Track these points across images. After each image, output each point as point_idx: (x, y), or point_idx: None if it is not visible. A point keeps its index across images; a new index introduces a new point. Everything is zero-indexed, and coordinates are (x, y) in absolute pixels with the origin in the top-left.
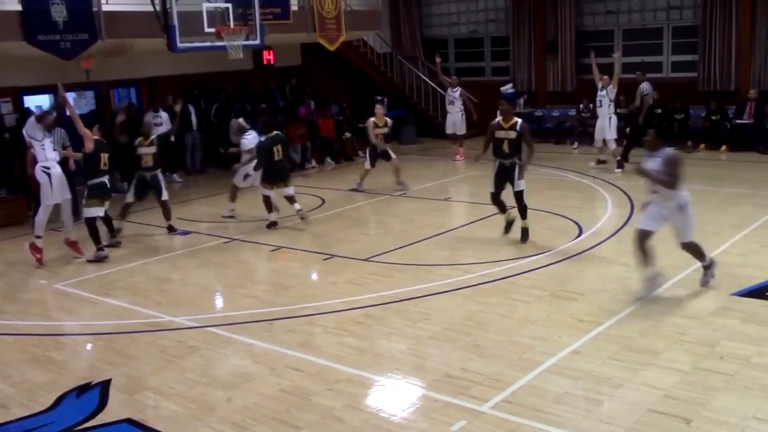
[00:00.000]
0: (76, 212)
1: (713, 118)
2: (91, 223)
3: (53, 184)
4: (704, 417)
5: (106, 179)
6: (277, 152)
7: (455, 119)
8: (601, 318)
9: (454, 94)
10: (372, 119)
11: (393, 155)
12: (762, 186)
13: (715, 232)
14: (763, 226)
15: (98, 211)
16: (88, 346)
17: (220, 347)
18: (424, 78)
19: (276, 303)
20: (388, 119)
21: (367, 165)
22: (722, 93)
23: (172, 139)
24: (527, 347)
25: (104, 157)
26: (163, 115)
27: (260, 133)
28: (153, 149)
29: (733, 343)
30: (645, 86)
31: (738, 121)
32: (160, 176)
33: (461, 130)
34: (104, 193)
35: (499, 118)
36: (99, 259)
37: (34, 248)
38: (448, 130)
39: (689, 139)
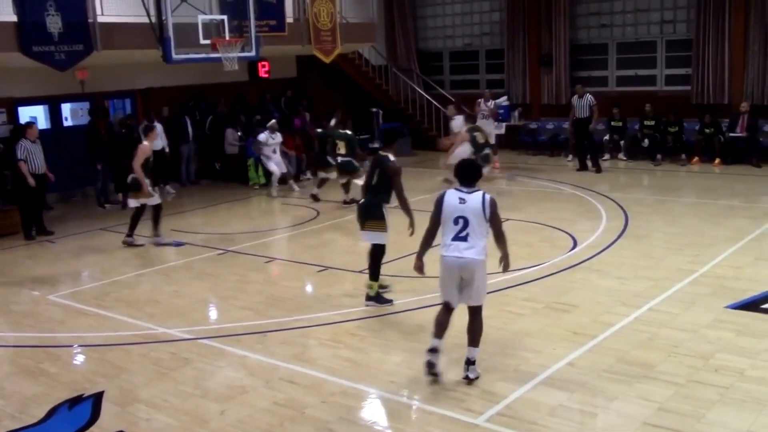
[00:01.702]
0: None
1: (707, 131)
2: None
3: None
4: (699, 430)
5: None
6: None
7: (488, 130)
8: (596, 330)
9: (489, 106)
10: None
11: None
12: (755, 199)
13: (709, 244)
14: (756, 238)
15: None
16: (80, 358)
17: (213, 359)
18: (419, 90)
19: (270, 315)
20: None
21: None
22: (716, 106)
23: (167, 150)
24: (522, 360)
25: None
26: (158, 127)
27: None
28: None
29: (728, 356)
30: (591, 98)
31: (731, 135)
32: None
33: (492, 140)
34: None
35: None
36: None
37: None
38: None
39: (683, 152)
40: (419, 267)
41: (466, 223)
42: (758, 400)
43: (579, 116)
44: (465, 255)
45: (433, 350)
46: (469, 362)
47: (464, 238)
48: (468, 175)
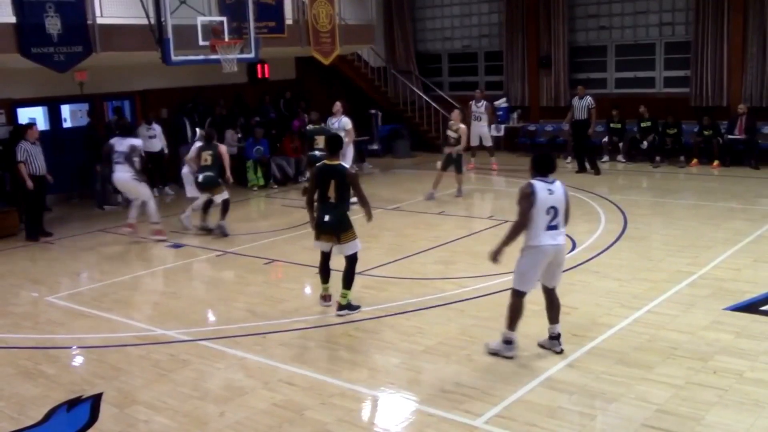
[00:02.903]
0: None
1: (706, 133)
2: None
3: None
4: None
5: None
6: None
7: (482, 132)
8: (595, 332)
9: (480, 108)
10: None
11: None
12: (754, 201)
13: (708, 246)
14: (755, 240)
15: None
16: (79, 359)
17: (212, 361)
18: (418, 92)
19: (269, 316)
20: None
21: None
22: (714, 108)
23: (166, 152)
24: (521, 361)
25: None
26: (156, 128)
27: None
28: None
29: (726, 358)
30: (591, 100)
31: (730, 137)
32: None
33: (488, 141)
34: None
35: None
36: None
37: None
38: (473, 143)
39: (682, 154)
40: (497, 259)
41: (556, 212)
42: (757, 402)
43: (578, 118)
44: (558, 241)
45: (510, 342)
46: (558, 336)
47: (555, 227)
48: (548, 166)
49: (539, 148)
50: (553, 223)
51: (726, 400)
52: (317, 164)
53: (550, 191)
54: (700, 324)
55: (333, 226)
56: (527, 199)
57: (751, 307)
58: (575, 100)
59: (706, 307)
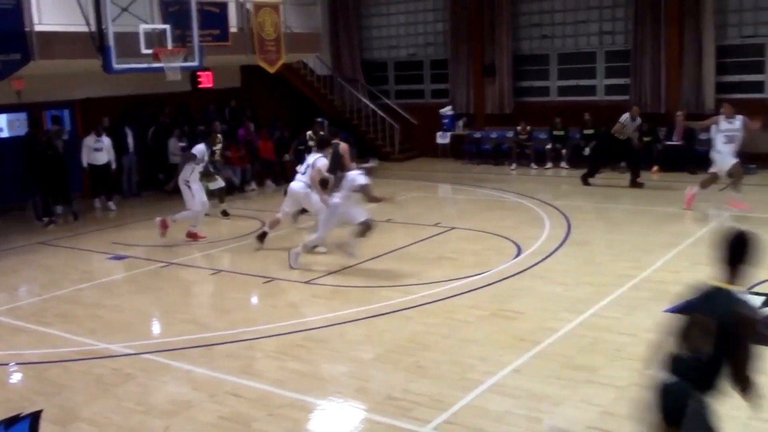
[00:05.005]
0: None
1: (645, 139)
2: None
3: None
4: None
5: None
6: None
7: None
8: (541, 336)
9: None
10: None
11: None
12: (692, 205)
13: (648, 250)
14: (693, 244)
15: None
16: (17, 376)
17: (157, 374)
18: (365, 100)
19: (215, 328)
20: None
21: None
22: (654, 115)
23: (113, 166)
24: (469, 367)
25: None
26: (105, 141)
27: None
28: None
29: None
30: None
31: (668, 143)
32: None
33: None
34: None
35: None
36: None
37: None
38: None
39: (623, 160)
40: None
41: None
42: None
43: (629, 136)
44: None
45: None
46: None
47: None
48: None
49: (485, 155)
50: None
51: None
52: None
53: None
54: (643, 326)
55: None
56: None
57: None
58: (626, 119)
59: (648, 309)
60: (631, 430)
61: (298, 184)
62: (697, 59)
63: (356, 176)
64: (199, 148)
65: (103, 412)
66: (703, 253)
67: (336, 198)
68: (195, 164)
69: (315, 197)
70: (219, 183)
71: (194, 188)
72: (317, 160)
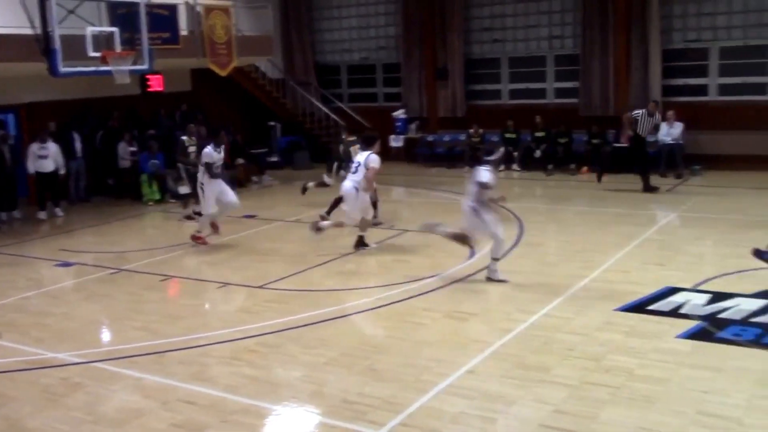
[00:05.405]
0: None
1: (594, 141)
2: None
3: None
4: (593, 429)
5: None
6: None
7: None
8: (494, 337)
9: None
10: None
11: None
12: (640, 206)
13: (599, 250)
14: (642, 244)
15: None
16: None
17: (107, 383)
18: (317, 104)
19: (167, 334)
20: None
21: None
22: (602, 118)
23: (61, 173)
24: (423, 369)
25: None
26: (51, 147)
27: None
28: None
29: (618, 357)
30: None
31: (616, 145)
32: None
33: None
34: None
35: None
36: None
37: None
38: None
39: (573, 162)
40: None
41: None
42: (647, 397)
43: (640, 133)
44: None
45: None
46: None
47: None
48: None
49: (438, 158)
50: None
51: (618, 398)
52: None
53: None
54: (593, 325)
55: None
56: None
57: (639, 307)
58: (641, 115)
59: (599, 308)
60: (582, 428)
61: (348, 184)
62: (644, 63)
63: (481, 171)
64: (206, 152)
65: (51, 422)
66: (651, 253)
67: (474, 205)
68: (211, 163)
69: (487, 216)
70: (187, 189)
71: (206, 193)
72: (368, 158)
